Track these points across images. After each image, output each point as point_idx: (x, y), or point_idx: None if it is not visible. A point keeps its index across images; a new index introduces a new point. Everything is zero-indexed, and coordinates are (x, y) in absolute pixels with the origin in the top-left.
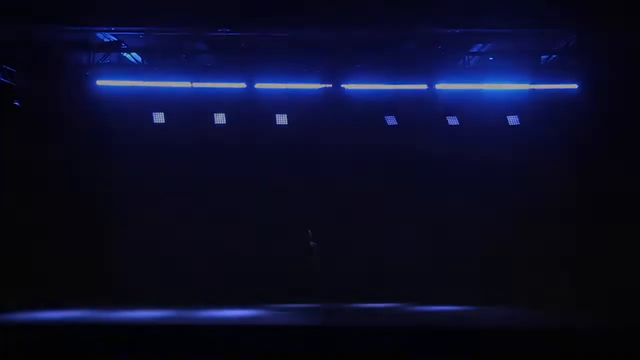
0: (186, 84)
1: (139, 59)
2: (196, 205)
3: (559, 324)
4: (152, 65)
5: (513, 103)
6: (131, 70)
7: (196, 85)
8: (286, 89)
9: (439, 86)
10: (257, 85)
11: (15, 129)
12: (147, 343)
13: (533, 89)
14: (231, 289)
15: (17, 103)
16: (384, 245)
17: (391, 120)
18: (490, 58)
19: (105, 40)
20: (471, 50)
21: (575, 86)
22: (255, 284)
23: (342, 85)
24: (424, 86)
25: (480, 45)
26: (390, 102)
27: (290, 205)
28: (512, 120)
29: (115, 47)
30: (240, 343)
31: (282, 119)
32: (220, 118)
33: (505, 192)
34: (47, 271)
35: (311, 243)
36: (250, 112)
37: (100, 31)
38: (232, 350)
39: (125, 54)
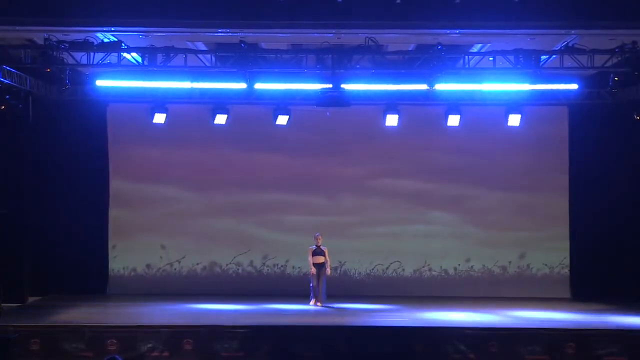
0: (186, 84)
1: (139, 59)
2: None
3: None
4: (152, 65)
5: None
6: (131, 70)
7: (196, 85)
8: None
9: (439, 86)
10: (257, 86)
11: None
12: None
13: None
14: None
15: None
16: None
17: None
18: (490, 58)
19: (106, 40)
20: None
21: (575, 86)
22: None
23: (342, 85)
24: (424, 86)
25: (480, 45)
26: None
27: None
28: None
29: (115, 47)
30: None
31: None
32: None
33: None
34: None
35: (321, 247)
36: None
37: (101, 31)
38: None
39: (124, 54)
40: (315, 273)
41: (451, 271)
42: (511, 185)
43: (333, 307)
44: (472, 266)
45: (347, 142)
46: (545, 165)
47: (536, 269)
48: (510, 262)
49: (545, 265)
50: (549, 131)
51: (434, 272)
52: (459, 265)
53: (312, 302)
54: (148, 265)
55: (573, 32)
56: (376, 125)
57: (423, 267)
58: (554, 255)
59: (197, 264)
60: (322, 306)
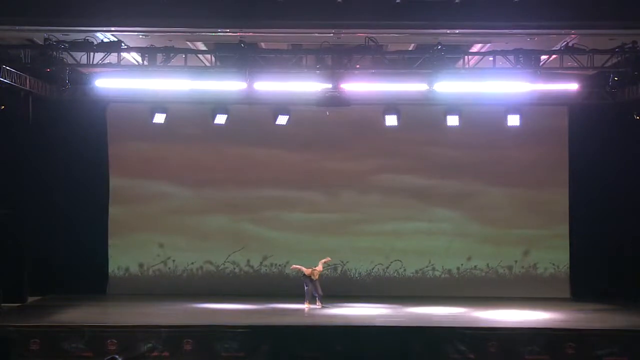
0: (186, 84)
1: (139, 59)
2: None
3: None
4: (152, 65)
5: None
6: (131, 70)
7: (196, 85)
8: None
9: (439, 86)
10: (257, 86)
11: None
12: None
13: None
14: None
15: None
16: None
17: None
18: (490, 58)
19: (105, 40)
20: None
21: (575, 86)
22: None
23: (342, 85)
24: (424, 86)
25: (480, 45)
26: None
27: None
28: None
29: (115, 47)
30: None
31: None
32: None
33: None
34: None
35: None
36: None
37: (101, 31)
38: None
39: (124, 54)
40: (307, 274)
41: (454, 271)
42: (513, 183)
43: (333, 308)
44: (475, 265)
45: (347, 137)
46: (545, 165)
47: (543, 268)
48: (516, 262)
49: (552, 264)
50: (549, 131)
51: (436, 272)
52: (462, 264)
53: (305, 303)
54: (148, 265)
55: (573, 32)
56: (376, 122)
57: (426, 266)
58: (558, 253)
59: (193, 262)
60: (320, 307)
